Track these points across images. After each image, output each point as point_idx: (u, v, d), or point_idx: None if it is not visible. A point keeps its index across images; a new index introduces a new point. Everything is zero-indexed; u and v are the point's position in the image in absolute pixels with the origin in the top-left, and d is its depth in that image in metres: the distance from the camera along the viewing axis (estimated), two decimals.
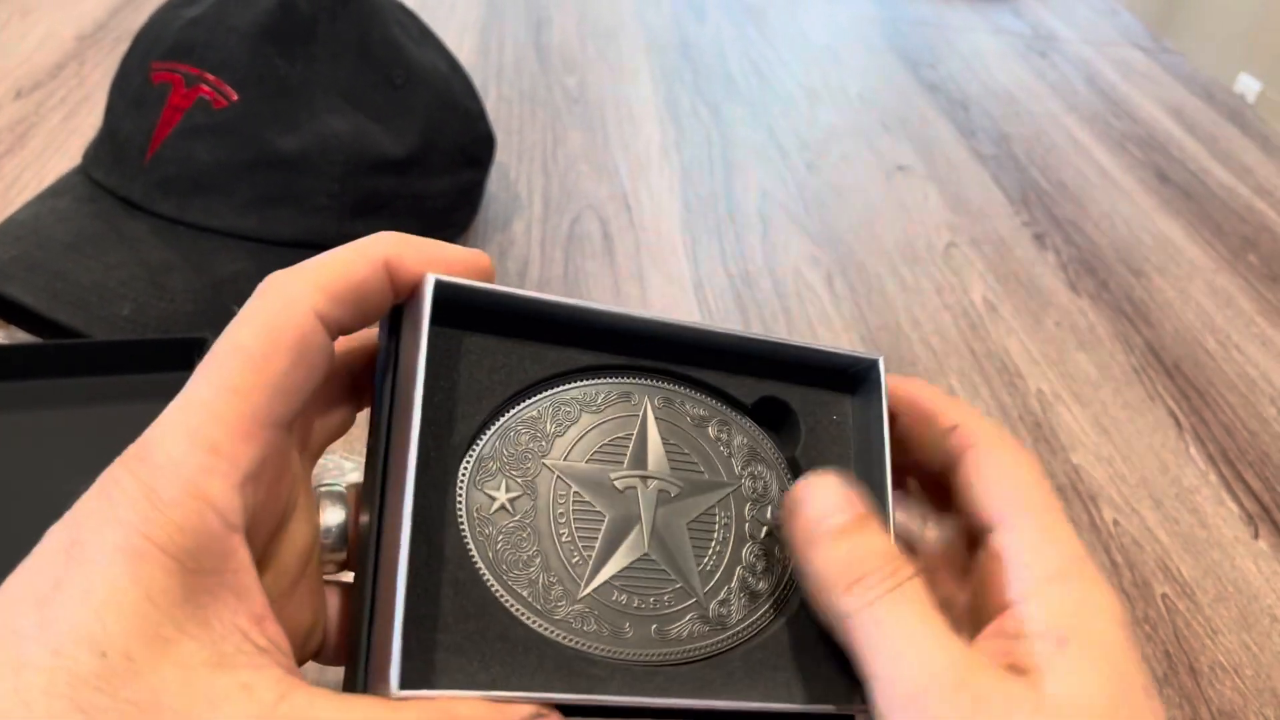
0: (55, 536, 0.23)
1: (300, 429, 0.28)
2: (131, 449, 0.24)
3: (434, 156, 0.63)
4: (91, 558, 0.22)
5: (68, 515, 0.24)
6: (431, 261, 0.27)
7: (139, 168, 0.58)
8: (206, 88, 0.58)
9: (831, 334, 0.66)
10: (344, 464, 0.50)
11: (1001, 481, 0.30)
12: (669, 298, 0.67)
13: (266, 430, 0.25)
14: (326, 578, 0.29)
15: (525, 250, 0.69)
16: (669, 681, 0.29)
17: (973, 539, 0.31)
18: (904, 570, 0.27)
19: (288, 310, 0.25)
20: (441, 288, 0.27)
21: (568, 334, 0.30)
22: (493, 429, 0.29)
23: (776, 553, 0.31)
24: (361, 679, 0.26)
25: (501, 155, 0.77)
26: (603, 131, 0.86)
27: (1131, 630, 0.28)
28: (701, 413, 0.31)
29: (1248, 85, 2.39)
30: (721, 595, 0.30)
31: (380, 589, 0.26)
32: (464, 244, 0.71)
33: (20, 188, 0.67)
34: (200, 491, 0.23)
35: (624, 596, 0.29)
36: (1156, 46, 1.17)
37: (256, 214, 0.58)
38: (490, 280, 0.28)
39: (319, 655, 0.29)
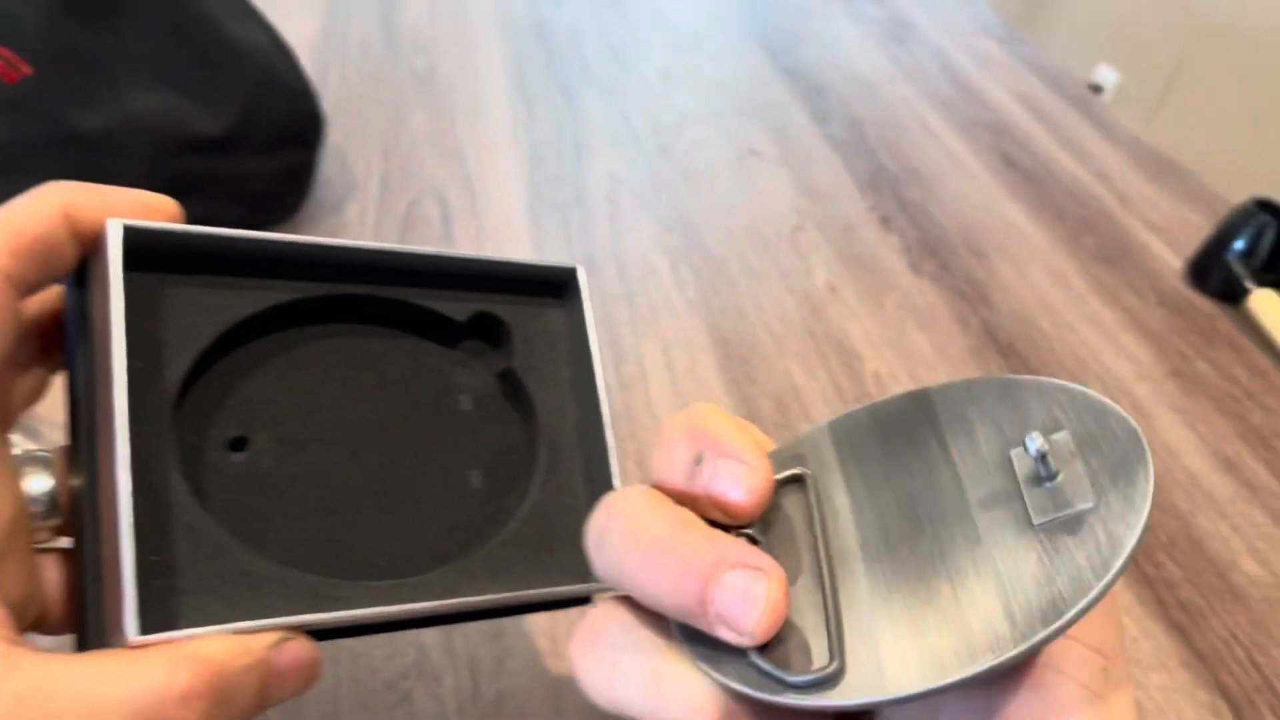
0: None
1: None
2: None
3: (254, 136, 0.60)
4: None
5: None
6: (111, 208, 0.26)
7: None
8: None
9: (674, 318, 0.65)
10: (39, 429, 0.48)
11: None
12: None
13: None
14: (41, 546, 0.27)
15: (358, 234, 0.67)
16: (415, 591, 0.29)
17: None
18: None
19: None
20: (127, 233, 0.26)
21: (273, 269, 0.30)
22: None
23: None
24: (97, 638, 0.25)
25: (339, 137, 0.75)
26: (450, 114, 0.84)
27: None
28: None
29: (1106, 76, 2.48)
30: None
31: (105, 546, 0.25)
32: (293, 228, 0.69)
33: None
34: None
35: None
36: (1010, 36, 1.20)
37: None
38: (176, 218, 0.28)
39: (41, 627, 0.28)
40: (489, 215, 0.72)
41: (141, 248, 0.26)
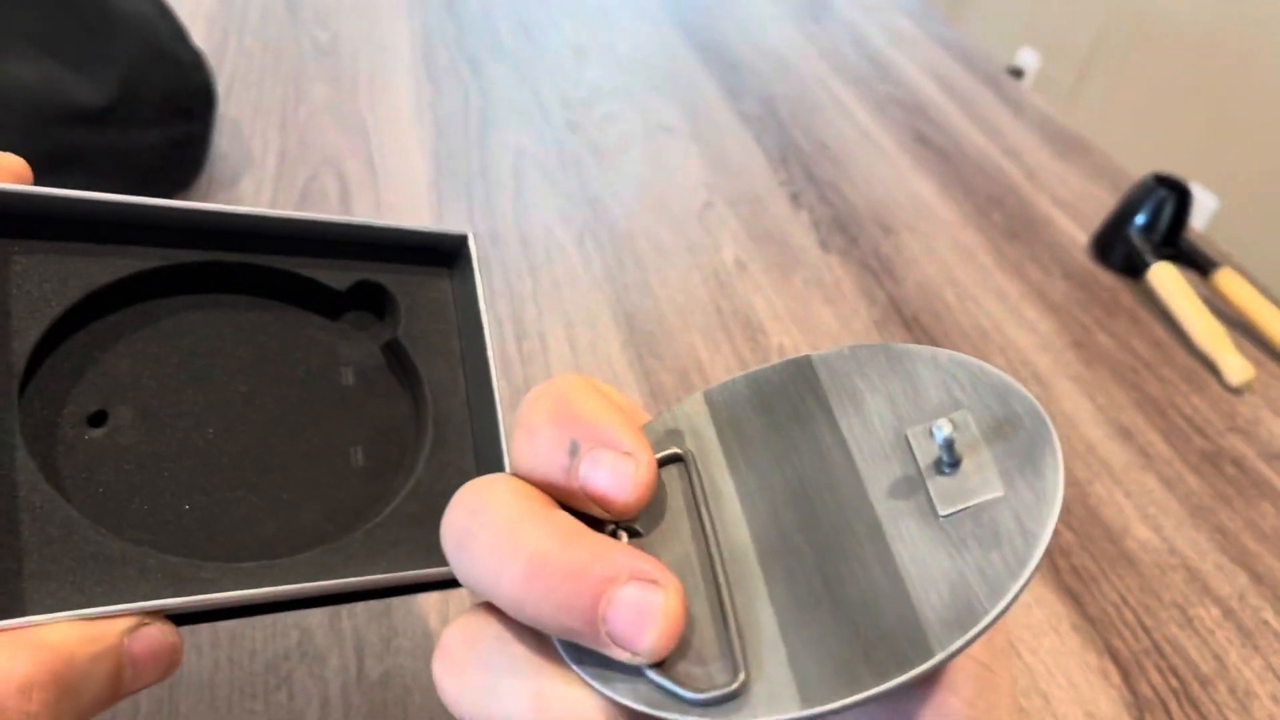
0: None
1: None
2: None
3: (137, 107, 0.58)
4: None
5: None
6: None
7: None
8: None
9: (578, 293, 0.64)
10: None
11: None
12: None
13: None
14: None
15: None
16: (286, 572, 0.28)
17: None
18: None
19: None
20: None
21: (137, 235, 0.28)
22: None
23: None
24: None
25: (235, 109, 0.72)
26: (352, 87, 0.81)
27: None
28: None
29: (1028, 59, 2.52)
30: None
31: None
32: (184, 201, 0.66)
33: None
34: None
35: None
36: (925, 15, 1.20)
37: None
38: (25, 179, 0.26)
39: None
40: (389, 190, 0.70)
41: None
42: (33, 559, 0.25)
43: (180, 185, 0.64)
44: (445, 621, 0.43)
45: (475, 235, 0.67)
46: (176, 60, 0.61)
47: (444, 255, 0.33)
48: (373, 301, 0.33)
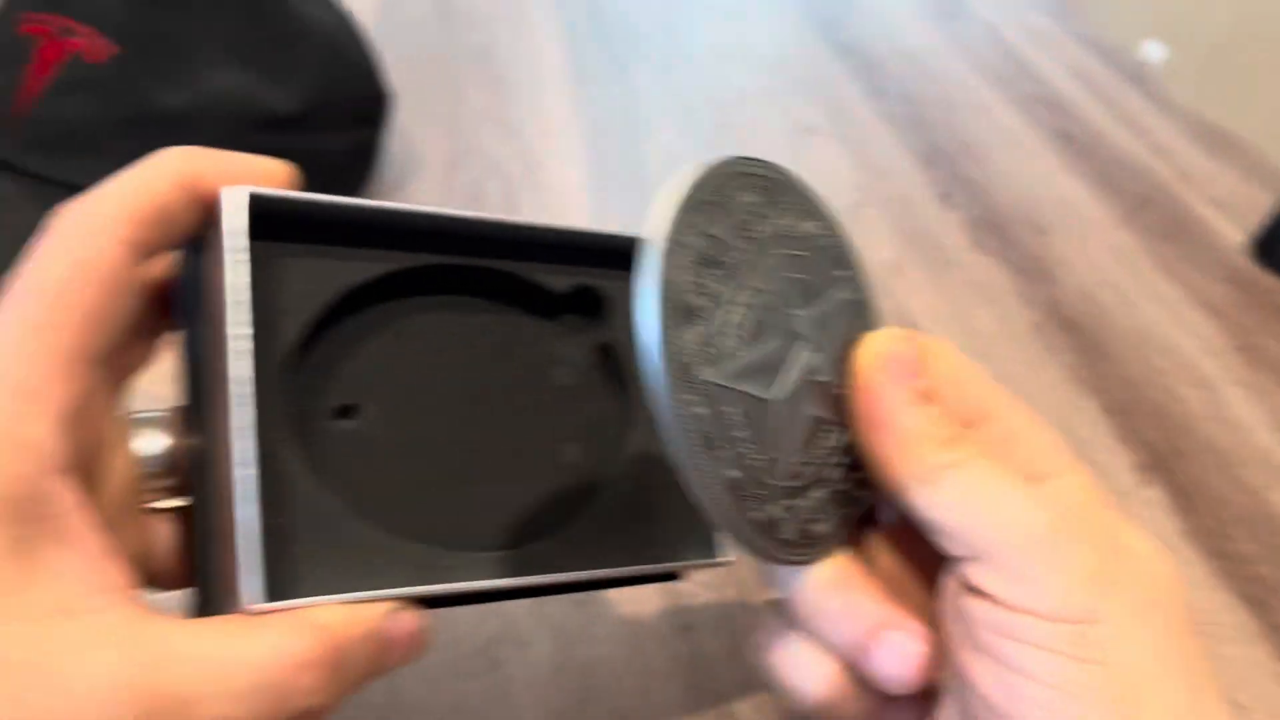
0: None
1: (111, 360, 0.27)
2: None
3: (325, 114, 0.61)
4: None
5: None
6: (230, 174, 0.26)
7: (6, 124, 0.55)
8: (80, 40, 0.56)
9: None
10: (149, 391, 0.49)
11: (977, 376, 0.29)
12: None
13: (80, 365, 0.24)
14: (153, 505, 0.28)
15: None
16: (520, 564, 0.29)
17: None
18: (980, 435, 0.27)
19: (92, 240, 0.24)
20: (248, 200, 0.26)
21: (381, 239, 0.29)
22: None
23: (843, 515, 0.29)
24: (215, 601, 0.26)
25: (401, 115, 0.75)
26: (507, 91, 0.84)
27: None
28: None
29: (1153, 51, 2.45)
30: (791, 503, 0.27)
31: (221, 508, 0.26)
32: None
33: None
34: (17, 436, 0.22)
35: (735, 416, 0.26)
36: (1061, 11, 1.19)
37: None
38: (292, 185, 0.28)
39: (154, 584, 0.28)
40: (550, 192, 0.72)
41: (258, 214, 0.27)
42: (301, 544, 0.26)
43: (356, 188, 0.67)
44: (638, 608, 0.45)
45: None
46: (359, 68, 0.64)
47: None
48: (586, 304, 0.34)
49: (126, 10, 0.56)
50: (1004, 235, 0.76)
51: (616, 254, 0.34)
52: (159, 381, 0.30)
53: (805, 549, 0.28)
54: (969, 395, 0.28)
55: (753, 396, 0.26)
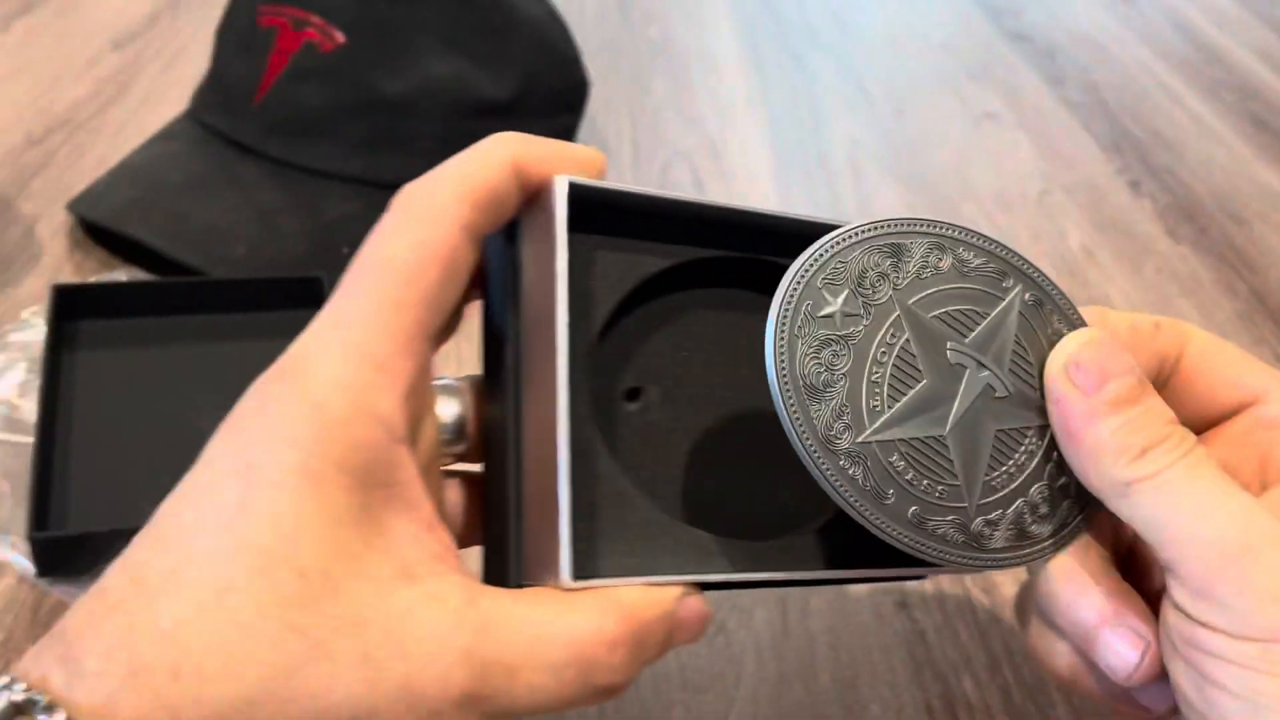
0: (223, 458, 0.24)
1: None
2: (287, 364, 0.24)
3: (533, 101, 0.63)
4: (272, 480, 0.23)
5: (227, 435, 0.24)
6: (556, 161, 0.27)
7: (248, 111, 0.59)
8: (313, 30, 0.59)
9: None
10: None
11: (1241, 358, 0.30)
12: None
13: (420, 343, 0.25)
14: (444, 469, 0.29)
15: None
16: (787, 557, 0.29)
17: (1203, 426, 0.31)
18: (1190, 437, 0.26)
19: (435, 223, 0.26)
20: (571, 189, 0.26)
21: (674, 230, 0.30)
22: (852, 238, 0.28)
23: (1066, 507, 0.29)
24: (514, 569, 0.27)
25: (589, 104, 0.77)
26: (687, 81, 0.85)
27: None
28: (1064, 330, 0.29)
29: None
30: (992, 516, 0.28)
31: (530, 484, 0.27)
32: None
33: (127, 135, 0.69)
34: (370, 408, 0.24)
35: (902, 463, 0.27)
36: None
37: (363, 157, 0.59)
38: (601, 175, 0.28)
39: None
40: (736, 179, 0.73)
41: (576, 202, 0.27)
42: (602, 523, 0.27)
43: None
44: (839, 590, 0.45)
45: None
46: (564, 57, 0.66)
47: None
48: None
49: (355, 2, 0.59)
50: (1200, 224, 0.74)
51: None
52: None
53: (1027, 548, 0.29)
54: (1231, 378, 0.29)
55: (920, 439, 0.27)
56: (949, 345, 0.28)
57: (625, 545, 0.27)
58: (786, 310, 0.26)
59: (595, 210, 0.28)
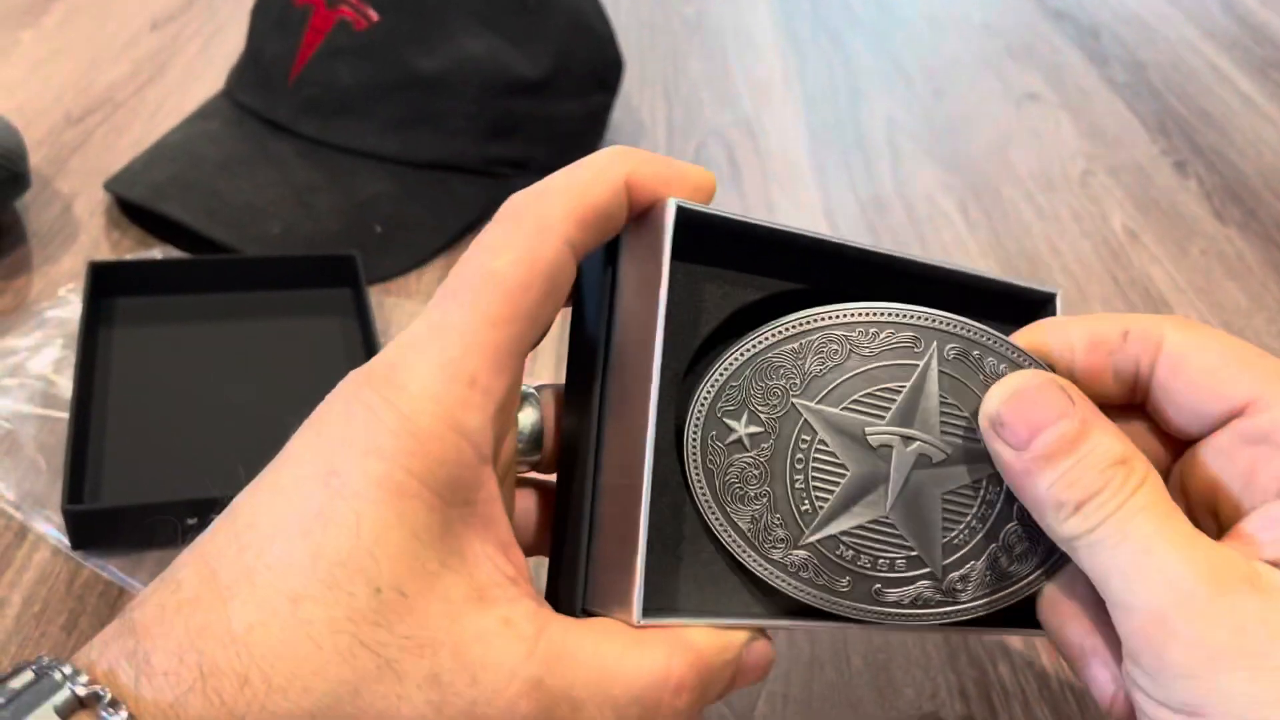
0: (305, 460, 0.23)
1: None
2: (378, 370, 0.24)
3: (566, 79, 0.63)
4: (354, 490, 0.22)
5: (310, 435, 0.23)
6: (669, 181, 0.26)
7: (284, 90, 0.59)
8: (348, 9, 0.59)
9: (968, 259, 0.64)
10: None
11: (1225, 361, 0.26)
12: (799, 224, 0.66)
13: (515, 360, 0.25)
14: (521, 475, 0.29)
15: None
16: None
17: (1183, 443, 0.29)
18: (1133, 476, 0.25)
19: (542, 239, 0.24)
20: (682, 212, 0.25)
21: (800, 267, 0.28)
22: (741, 358, 0.27)
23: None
24: (581, 594, 0.26)
25: (624, 82, 0.76)
26: (723, 60, 0.85)
27: None
28: (1003, 370, 0.28)
29: None
30: (964, 570, 0.28)
31: (604, 507, 0.26)
32: None
33: (164, 114, 0.69)
34: (460, 425, 0.23)
35: (850, 552, 0.27)
36: None
37: (397, 135, 0.59)
38: (711, 196, 0.27)
39: None
40: (772, 158, 0.73)
41: (685, 225, 0.26)
42: (674, 558, 0.27)
43: (590, 151, 0.68)
44: None
45: (861, 204, 0.69)
46: (597, 35, 0.65)
47: (1027, 307, 0.32)
48: None
49: None
50: (1248, 205, 0.72)
51: (994, 296, 0.32)
52: None
53: (1009, 588, 0.29)
54: (1219, 388, 0.26)
55: (862, 525, 0.27)
56: (867, 431, 0.27)
57: (696, 582, 0.27)
58: (695, 446, 0.26)
59: (700, 233, 0.27)
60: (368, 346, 0.49)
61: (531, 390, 0.29)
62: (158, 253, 0.55)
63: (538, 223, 0.25)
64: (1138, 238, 0.68)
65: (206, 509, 0.41)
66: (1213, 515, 0.28)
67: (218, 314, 0.51)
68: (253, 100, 0.60)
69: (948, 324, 0.28)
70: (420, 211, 0.58)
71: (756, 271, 0.28)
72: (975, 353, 0.28)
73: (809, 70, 0.84)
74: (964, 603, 0.28)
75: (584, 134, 0.67)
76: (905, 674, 0.41)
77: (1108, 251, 0.66)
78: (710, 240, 0.27)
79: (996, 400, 0.26)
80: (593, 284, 0.28)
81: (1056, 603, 0.28)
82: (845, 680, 0.40)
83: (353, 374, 0.24)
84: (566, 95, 0.63)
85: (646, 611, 0.25)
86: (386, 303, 0.55)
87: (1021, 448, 0.25)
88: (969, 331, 0.28)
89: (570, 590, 0.27)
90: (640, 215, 0.26)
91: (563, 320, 0.29)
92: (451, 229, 0.59)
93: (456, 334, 0.24)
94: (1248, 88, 0.88)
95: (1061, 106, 0.83)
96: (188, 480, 0.43)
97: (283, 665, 0.21)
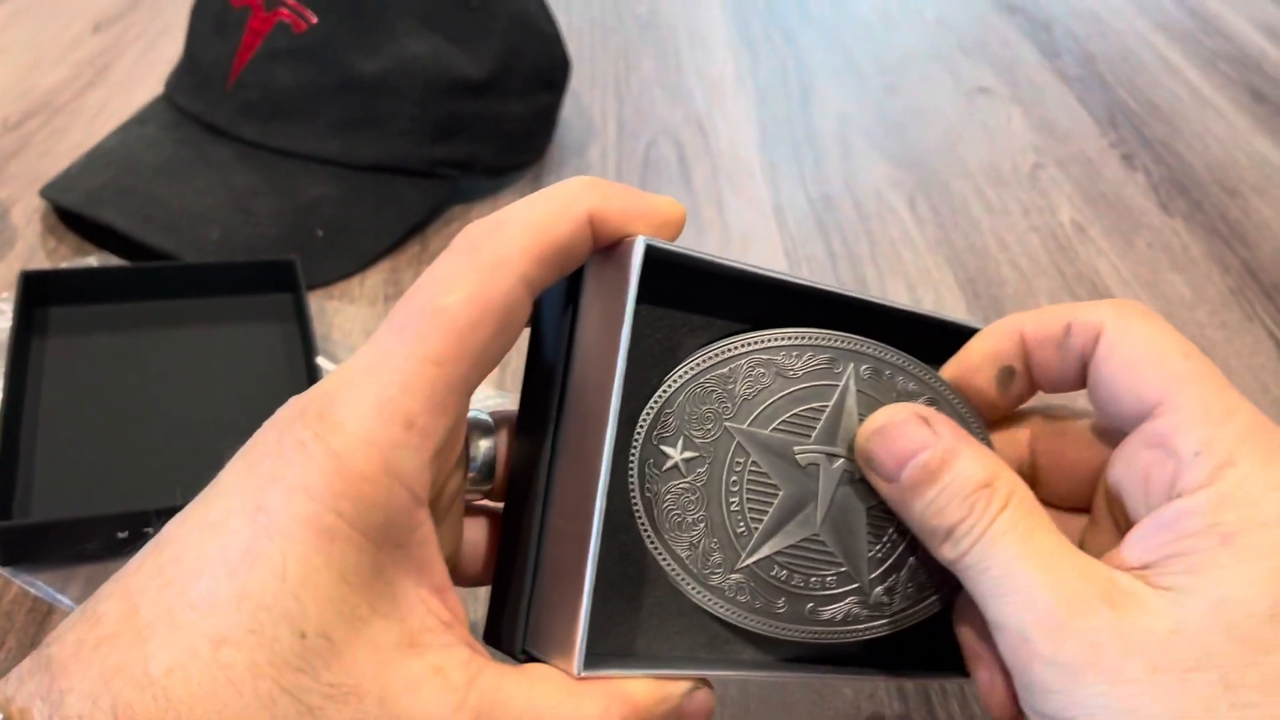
0: (235, 494, 0.22)
1: None
2: (315, 403, 0.23)
3: (511, 79, 0.63)
4: (281, 529, 0.21)
5: (242, 469, 0.23)
6: (635, 217, 0.25)
7: (222, 93, 0.59)
8: (286, 11, 0.58)
9: (915, 254, 0.64)
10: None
11: (1145, 358, 0.26)
12: (748, 222, 0.66)
13: (459, 399, 0.24)
14: (470, 502, 0.28)
15: (601, 174, 0.69)
16: (803, 657, 0.29)
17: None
18: (996, 499, 0.25)
19: (496, 275, 0.24)
20: (650, 251, 0.25)
21: (749, 301, 0.28)
22: (675, 384, 0.27)
23: None
24: (522, 633, 0.26)
25: (574, 81, 0.76)
26: (675, 58, 0.84)
27: None
28: (912, 388, 0.29)
29: None
30: (889, 583, 0.29)
31: (550, 547, 0.26)
32: (541, 170, 0.71)
33: (105, 118, 0.68)
34: (394, 467, 0.22)
35: (784, 572, 0.28)
36: None
37: (339, 138, 0.58)
38: (680, 230, 0.26)
39: (454, 577, 0.28)
40: (722, 155, 0.72)
41: (649, 265, 0.25)
42: (619, 602, 0.26)
43: (538, 152, 0.68)
44: None
45: (810, 200, 0.69)
46: (543, 35, 0.65)
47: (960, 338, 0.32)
48: None
49: None
50: (1194, 198, 0.73)
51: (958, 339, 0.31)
52: None
53: (930, 597, 0.30)
54: (1133, 387, 0.26)
55: (794, 544, 0.28)
56: (795, 449, 0.28)
57: (643, 626, 0.27)
58: (634, 476, 0.26)
59: (667, 271, 0.26)
60: (307, 353, 0.49)
61: (487, 419, 0.28)
62: (93, 260, 0.55)
63: (493, 257, 0.24)
64: (1085, 231, 0.68)
65: (140, 522, 0.41)
66: (1116, 517, 0.28)
67: (154, 322, 0.51)
68: (191, 104, 0.60)
69: (860, 346, 0.29)
70: (363, 214, 0.58)
71: (723, 310, 0.28)
72: (887, 372, 0.29)
73: (761, 67, 0.84)
74: (890, 615, 0.29)
75: (531, 134, 0.66)
76: None
77: (1055, 245, 0.67)
78: (677, 278, 0.27)
79: (864, 437, 0.27)
80: (553, 314, 0.27)
81: (960, 610, 0.29)
82: (782, 681, 0.40)
83: (289, 403, 0.23)
84: (512, 95, 0.63)
85: (589, 661, 0.24)
86: (329, 307, 0.55)
87: (892, 480, 0.26)
88: (879, 352, 0.29)
89: (511, 628, 0.26)
90: (606, 248, 0.25)
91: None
92: (395, 231, 0.58)
93: (397, 372, 0.23)
94: (1196, 79, 0.88)
95: (1013, 100, 0.83)
96: (121, 493, 0.43)
97: (201, 711, 0.20)
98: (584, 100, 0.77)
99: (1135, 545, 0.25)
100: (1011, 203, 0.70)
